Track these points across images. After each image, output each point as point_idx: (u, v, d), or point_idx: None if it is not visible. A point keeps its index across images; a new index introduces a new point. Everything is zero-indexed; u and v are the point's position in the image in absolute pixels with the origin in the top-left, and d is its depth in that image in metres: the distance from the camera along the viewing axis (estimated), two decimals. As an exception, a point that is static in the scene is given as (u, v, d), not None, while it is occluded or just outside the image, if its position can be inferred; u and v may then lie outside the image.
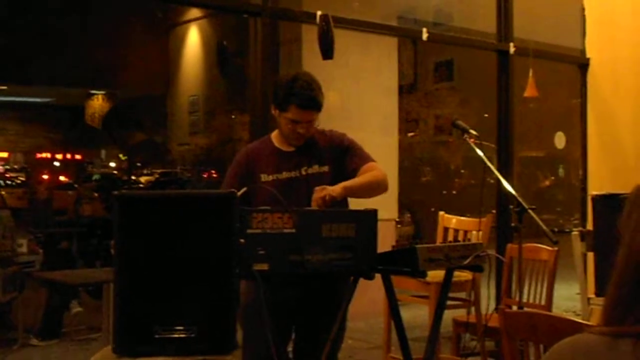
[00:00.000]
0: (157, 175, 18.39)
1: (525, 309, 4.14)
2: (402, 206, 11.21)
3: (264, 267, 2.65)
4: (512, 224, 3.92)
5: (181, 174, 17.43)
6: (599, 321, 1.35)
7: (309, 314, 3.34)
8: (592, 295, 4.77)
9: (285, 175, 3.35)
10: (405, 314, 4.25)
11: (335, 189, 3.15)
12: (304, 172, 3.36)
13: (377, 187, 3.35)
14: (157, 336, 2.23)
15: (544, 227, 3.40)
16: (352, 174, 3.36)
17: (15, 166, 21.28)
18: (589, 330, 1.33)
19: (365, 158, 3.44)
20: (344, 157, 3.42)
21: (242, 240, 2.52)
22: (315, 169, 3.38)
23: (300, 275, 2.86)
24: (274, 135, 3.50)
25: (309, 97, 3.28)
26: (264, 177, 3.34)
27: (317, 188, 3.16)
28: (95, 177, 19.46)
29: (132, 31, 16.36)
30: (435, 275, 3.96)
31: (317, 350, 3.23)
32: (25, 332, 6.71)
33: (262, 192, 3.18)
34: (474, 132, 3.69)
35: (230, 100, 15.79)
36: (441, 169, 17.36)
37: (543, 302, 4.69)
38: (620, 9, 7.09)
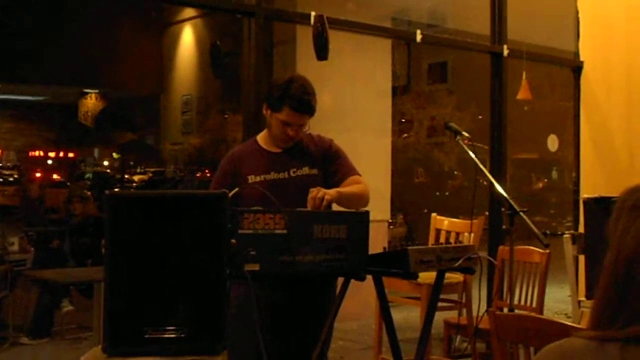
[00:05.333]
0: (150, 174, 18.36)
1: (517, 311, 4.15)
2: (395, 207, 11.22)
3: (255, 267, 2.65)
4: (504, 227, 3.94)
5: (174, 174, 17.41)
6: (587, 325, 1.36)
7: (296, 317, 3.33)
8: (583, 298, 4.78)
9: (273, 176, 3.35)
10: (397, 315, 4.26)
11: (331, 192, 3.16)
12: (292, 174, 3.37)
13: (362, 201, 3.39)
14: (147, 336, 2.23)
15: (535, 230, 3.41)
16: (337, 182, 3.40)
17: (8, 164, 21.19)
18: (577, 334, 1.33)
19: (351, 169, 3.51)
20: (330, 163, 3.46)
21: (233, 241, 2.52)
22: (305, 171, 3.39)
23: (287, 278, 2.87)
24: (261, 137, 3.50)
25: (303, 100, 3.29)
26: (252, 179, 3.34)
27: (313, 189, 3.16)
28: (88, 175, 19.41)
29: (125, 30, 16.32)
30: (427, 276, 3.97)
31: (303, 353, 3.23)
32: (16, 330, 6.70)
33: (250, 193, 3.17)
34: (466, 134, 3.70)
35: (223, 100, 15.78)
36: (435, 171, 17.37)
37: (534, 305, 4.70)
38: (614, 12, 7.11)
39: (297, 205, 2.98)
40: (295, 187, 3.30)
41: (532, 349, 2.17)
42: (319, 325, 3.24)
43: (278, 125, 3.33)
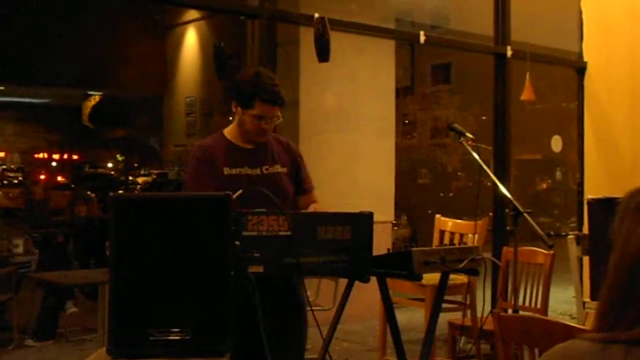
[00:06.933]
0: (154, 176, 18.39)
1: (521, 313, 4.15)
2: (399, 209, 11.21)
3: (259, 269, 2.65)
4: (508, 228, 3.93)
5: (178, 176, 17.43)
6: (591, 327, 1.35)
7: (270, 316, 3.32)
8: (588, 299, 4.78)
9: (247, 171, 3.34)
10: (401, 316, 4.26)
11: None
12: (265, 171, 3.37)
13: None
14: (151, 338, 2.23)
15: (539, 231, 3.40)
16: (300, 192, 3.48)
17: (12, 166, 21.25)
18: (581, 337, 1.33)
19: (311, 183, 3.58)
20: (296, 170, 3.51)
21: (237, 243, 2.52)
22: (277, 168, 3.41)
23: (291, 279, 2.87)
24: (228, 132, 3.46)
25: (274, 92, 3.31)
26: (227, 171, 3.31)
27: (315, 205, 3.21)
28: (91, 177, 19.43)
29: (129, 32, 16.36)
30: (431, 278, 3.97)
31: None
32: (21, 332, 6.70)
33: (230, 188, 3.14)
34: (470, 135, 3.70)
35: (227, 102, 15.77)
36: (438, 172, 17.36)
37: (539, 306, 4.69)
38: (617, 12, 7.10)
39: (269, 203, 2.94)
40: (267, 184, 3.28)
41: (536, 351, 2.16)
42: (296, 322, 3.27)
43: (252, 121, 3.32)
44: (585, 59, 7.43)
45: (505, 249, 5.07)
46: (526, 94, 6.92)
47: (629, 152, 7.03)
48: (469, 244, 4.42)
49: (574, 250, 5.18)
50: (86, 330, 6.91)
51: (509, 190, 3.72)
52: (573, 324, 2.15)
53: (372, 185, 8.04)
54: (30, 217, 10.95)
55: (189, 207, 2.32)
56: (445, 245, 4.66)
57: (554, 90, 13.81)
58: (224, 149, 3.38)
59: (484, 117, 13.78)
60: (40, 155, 22.59)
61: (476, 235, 4.90)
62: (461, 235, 5.21)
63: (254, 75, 3.34)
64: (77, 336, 6.90)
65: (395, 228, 11.06)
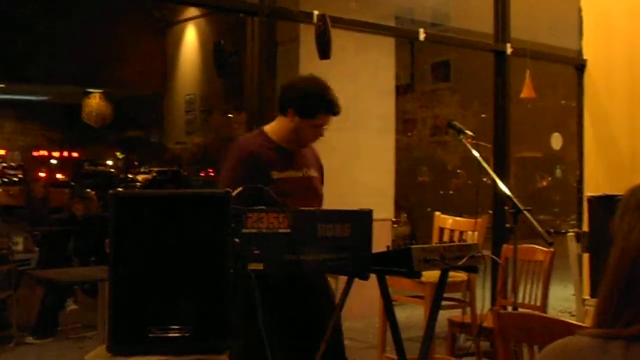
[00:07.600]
0: (154, 174, 18.37)
1: (520, 310, 4.15)
2: (399, 206, 11.21)
3: (259, 267, 2.65)
4: (508, 225, 3.93)
5: (178, 173, 17.42)
6: (591, 323, 1.35)
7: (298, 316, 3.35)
8: (587, 297, 4.78)
9: (291, 173, 3.39)
10: (401, 314, 4.26)
11: None
12: (305, 174, 3.42)
13: None
14: (151, 335, 2.23)
15: (539, 228, 3.40)
16: None
17: (12, 164, 21.22)
18: (581, 333, 1.33)
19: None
20: (322, 176, 3.62)
21: (237, 240, 2.52)
22: (313, 172, 3.50)
23: (291, 277, 2.89)
24: (272, 132, 3.48)
25: (338, 104, 3.42)
26: (276, 174, 3.34)
27: None
28: (91, 174, 19.40)
29: (129, 30, 16.35)
30: (431, 275, 3.96)
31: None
32: (21, 330, 6.71)
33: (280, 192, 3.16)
34: (469, 133, 3.70)
35: (227, 100, 15.80)
36: (438, 169, 17.37)
37: (538, 303, 4.69)
38: (617, 10, 7.10)
39: (307, 204, 3.02)
40: (306, 186, 3.35)
41: (535, 348, 2.16)
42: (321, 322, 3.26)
43: (310, 129, 3.40)
44: (584, 57, 7.43)
45: (504, 246, 5.07)
46: (526, 92, 6.92)
47: (628, 149, 7.02)
48: (469, 242, 4.41)
49: (573, 247, 5.17)
50: (86, 328, 6.92)
51: (508, 188, 3.71)
52: (572, 322, 2.15)
53: (372, 182, 8.04)
54: (30, 214, 10.96)
55: (188, 205, 2.32)
56: (445, 242, 4.66)
57: (554, 88, 13.81)
58: (270, 150, 3.42)
59: (483, 115, 13.78)
60: (40, 153, 22.56)
61: (476, 233, 4.89)
62: (461, 233, 5.20)
63: (320, 88, 3.41)
64: (77, 333, 6.90)
65: (395, 225, 11.06)
